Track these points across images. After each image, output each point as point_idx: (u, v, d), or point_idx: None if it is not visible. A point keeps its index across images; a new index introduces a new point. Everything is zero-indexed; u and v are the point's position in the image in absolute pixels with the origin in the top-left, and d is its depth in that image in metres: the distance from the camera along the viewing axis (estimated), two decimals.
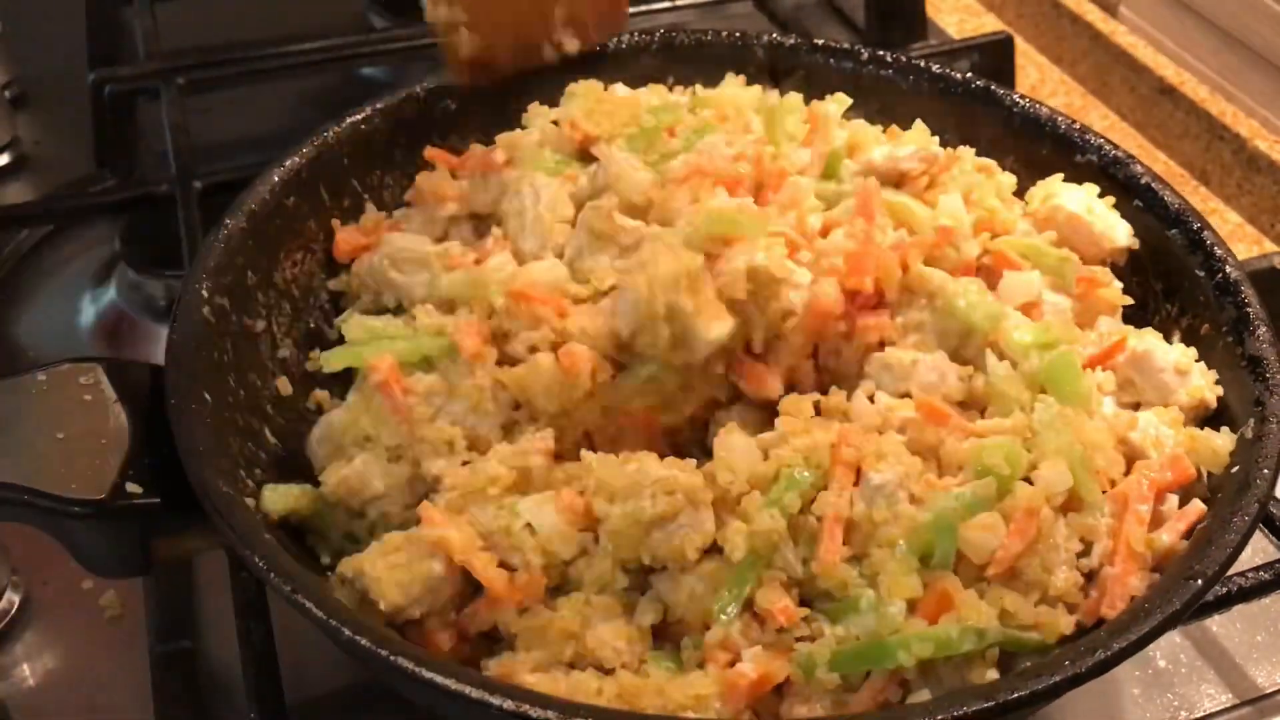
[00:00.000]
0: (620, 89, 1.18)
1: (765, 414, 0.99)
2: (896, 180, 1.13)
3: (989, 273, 1.07)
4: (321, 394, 1.05)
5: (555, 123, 1.16)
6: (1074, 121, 1.18)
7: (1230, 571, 0.93)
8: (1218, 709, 1.06)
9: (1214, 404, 1.02)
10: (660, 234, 1.00)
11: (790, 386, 1.00)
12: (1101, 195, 1.13)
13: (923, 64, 1.25)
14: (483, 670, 0.89)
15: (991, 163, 1.17)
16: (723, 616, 0.88)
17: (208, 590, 1.09)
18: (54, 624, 1.08)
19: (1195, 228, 1.08)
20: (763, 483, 0.91)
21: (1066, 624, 0.88)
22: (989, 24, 1.88)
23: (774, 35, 1.28)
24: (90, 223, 1.45)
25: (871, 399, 0.98)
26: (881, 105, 1.24)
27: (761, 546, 0.88)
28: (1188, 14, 1.73)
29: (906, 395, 0.98)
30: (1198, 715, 1.05)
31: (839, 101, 1.20)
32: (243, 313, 1.03)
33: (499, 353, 0.99)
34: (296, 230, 1.10)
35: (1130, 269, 1.13)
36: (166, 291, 1.35)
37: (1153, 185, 1.12)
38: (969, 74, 1.25)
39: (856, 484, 0.91)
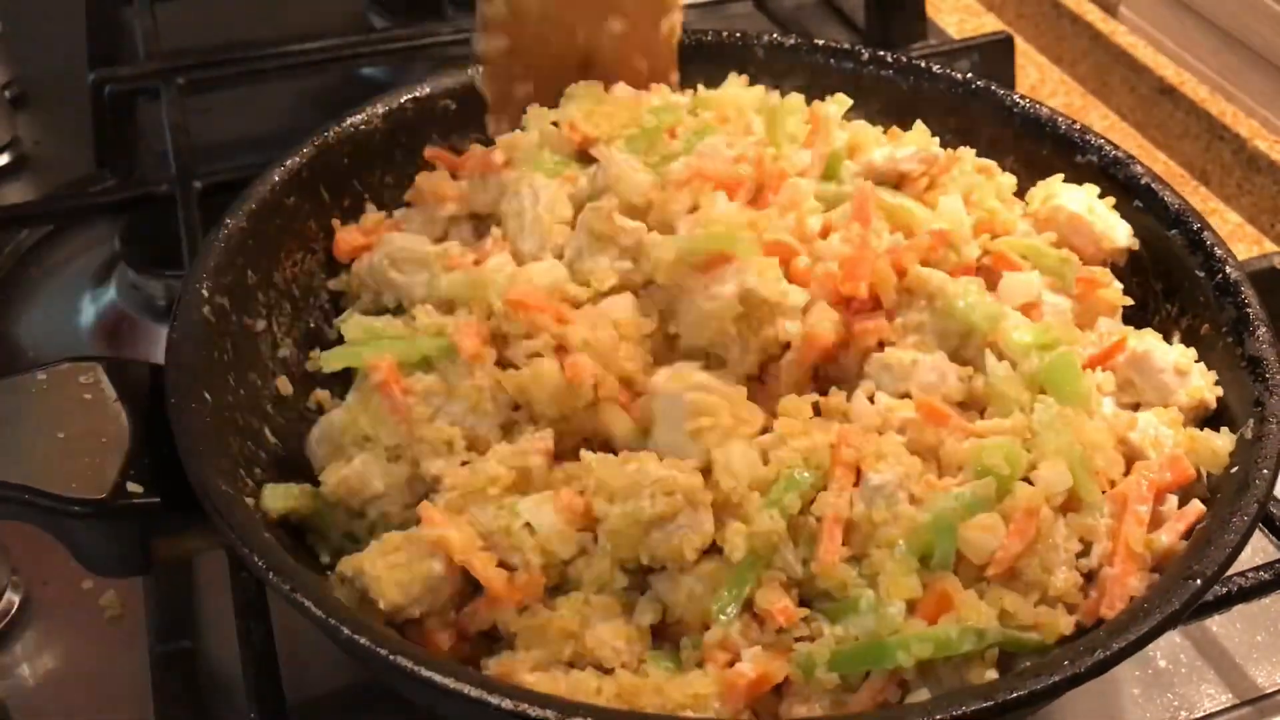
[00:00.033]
0: (621, 89, 1.18)
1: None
2: (896, 181, 1.14)
3: (989, 273, 1.07)
4: (322, 394, 1.05)
5: (555, 124, 1.16)
6: (1074, 122, 1.18)
7: (1230, 571, 0.93)
8: (1218, 709, 1.06)
9: (1214, 404, 1.02)
10: (658, 243, 1.00)
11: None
12: (1102, 196, 1.13)
13: (923, 64, 1.25)
14: (482, 669, 0.88)
15: (991, 164, 1.17)
16: (722, 617, 0.88)
17: (208, 590, 1.08)
18: (54, 624, 1.08)
19: (1195, 228, 1.08)
20: (762, 484, 0.91)
21: (1066, 624, 0.88)
22: (989, 24, 1.88)
23: (774, 35, 1.28)
24: (90, 223, 1.45)
25: (871, 399, 0.98)
26: (882, 106, 1.24)
27: (761, 547, 0.88)
28: (1188, 14, 1.73)
29: (906, 395, 0.98)
30: (1198, 715, 1.05)
31: (839, 103, 1.20)
32: (243, 312, 1.03)
33: (498, 354, 0.99)
34: (297, 230, 1.10)
35: (1130, 269, 1.13)
36: (166, 291, 1.35)
37: (1153, 186, 1.12)
38: (969, 74, 1.24)
39: (856, 484, 0.91)
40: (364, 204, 1.16)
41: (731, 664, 0.87)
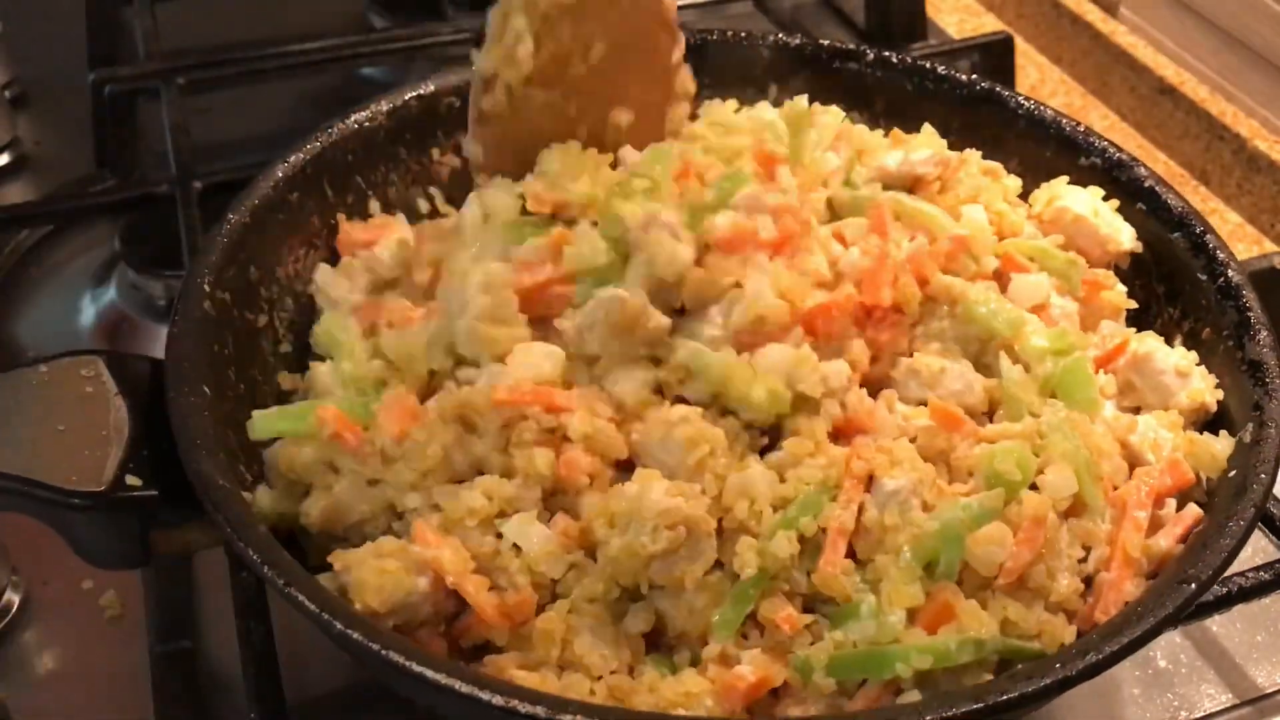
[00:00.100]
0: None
1: None
2: (910, 185, 1.14)
3: (997, 276, 1.07)
4: None
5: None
6: (1078, 124, 1.18)
7: (1230, 572, 0.93)
8: (1218, 709, 1.06)
9: (1214, 408, 1.02)
10: (691, 347, 0.95)
11: None
12: (1105, 198, 1.13)
13: (927, 65, 1.24)
14: None
15: (998, 166, 1.17)
16: (723, 633, 0.88)
17: (207, 590, 1.08)
18: (54, 624, 1.08)
19: (1198, 231, 1.08)
20: (778, 503, 0.90)
21: (1069, 634, 0.88)
22: (989, 24, 1.88)
23: (779, 35, 1.27)
24: (90, 223, 1.45)
25: (890, 409, 0.98)
26: (885, 106, 1.24)
27: (772, 565, 0.87)
28: (1188, 14, 1.74)
29: (921, 403, 0.97)
30: (1198, 715, 1.05)
31: (833, 114, 1.19)
32: (244, 307, 1.03)
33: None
34: (300, 226, 1.10)
35: (1133, 272, 1.13)
36: (166, 291, 1.35)
37: (1156, 189, 1.12)
38: (973, 75, 1.24)
39: (868, 490, 0.91)
40: (367, 201, 1.16)
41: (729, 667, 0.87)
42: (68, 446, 0.91)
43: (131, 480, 0.90)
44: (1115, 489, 0.95)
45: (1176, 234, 1.10)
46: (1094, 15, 1.80)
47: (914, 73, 1.24)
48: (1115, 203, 1.13)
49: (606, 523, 0.88)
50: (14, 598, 1.08)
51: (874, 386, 0.99)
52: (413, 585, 0.87)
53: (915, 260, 1.02)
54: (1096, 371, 1.03)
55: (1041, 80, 1.81)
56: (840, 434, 0.95)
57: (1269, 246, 1.54)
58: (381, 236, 1.11)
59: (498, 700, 0.76)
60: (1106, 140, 1.17)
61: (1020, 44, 1.78)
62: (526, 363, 0.95)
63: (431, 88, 1.19)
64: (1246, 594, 0.98)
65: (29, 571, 1.09)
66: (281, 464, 0.95)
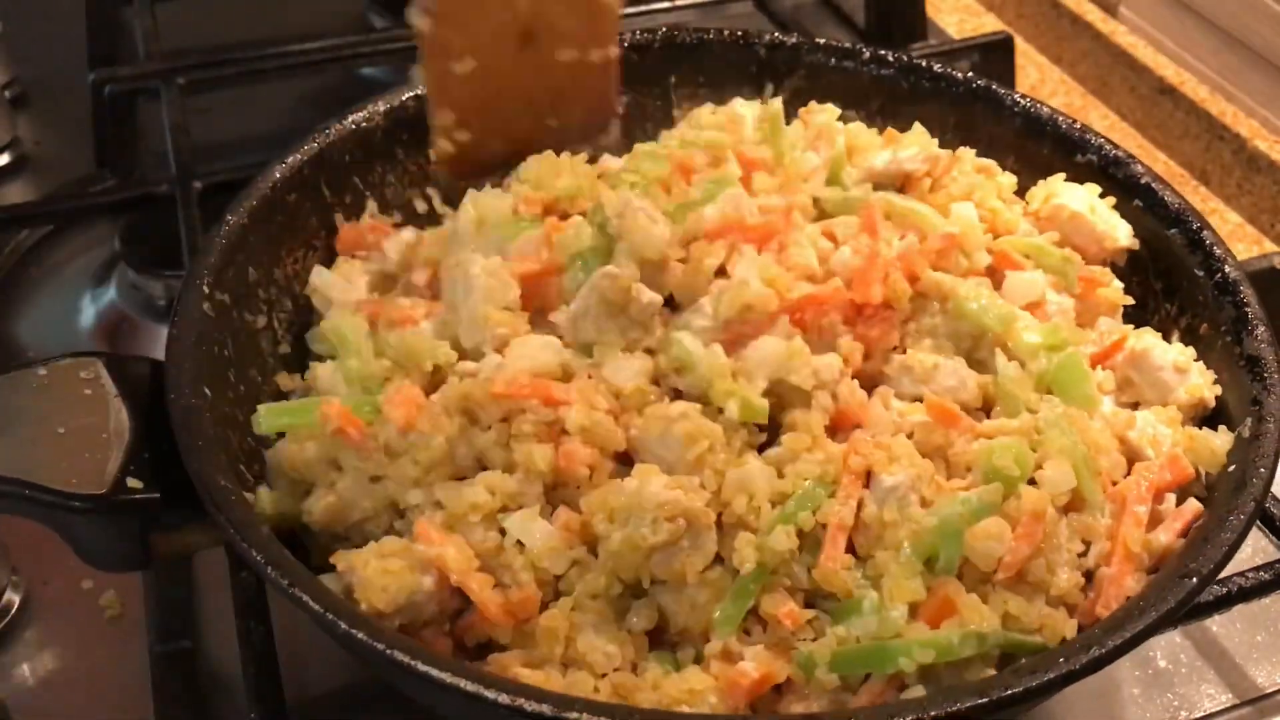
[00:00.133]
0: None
1: None
2: (900, 183, 1.14)
3: (992, 273, 1.08)
4: None
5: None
6: (1074, 121, 1.18)
7: (1230, 572, 0.93)
8: (1218, 709, 1.06)
9: (1212, 403, 1.02)
10: (681, 339, 0.96)
11: None
12: (1102, 195, 1.13)
13: (924, 64, 1.25)
14: None
15: (992, 163, 1.17)
16: (725, 628, 0.88)
17: (207, 590, 1.08)
18: (54, 624, 1.08)
19: (1195, 227, 1.09)
20: (776, 498, 0.90)
21: (1070, 628, 0.88)
22: (989, 24, 1.88)
23: (775, 34, 1.28)
24: (90, 223, 1.45)
25: (885, 405, 0.98)
26: (882, 105, 1.24)
27: (771, 560, 0.88)
28: (1188, 14, 1.74)
29: (917, 399, 0.98)
30: (1198, 715, 1.05)
31: (829, 112, 1.20)
32: (244, 309, 1.03)
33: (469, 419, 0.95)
34: (298, 227, 1.11)
35: (1130, 268, 1.13)
36: (166, 291, 1.35)
37: (1153, 185, 1.12)
38: (970, 74, 1.24)
39: (867, 486, 0.91)
40: (365, 201, 1.16)
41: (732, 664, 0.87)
42: (68, 449, 0.91)
43: (132, 483, 0.90)
44: (1114, 484, 0.95)
45: (1173, 230, 1.10)
46: (1094, 15, 1.80)
47: (910, 71, 1.24)
48: (1112, 200, 1.13)
49: (606, 517, 0.88)
50: (14, 598, 1.08)
51: (867, 383, 1.00)
52: (417, 584, 0.87)
53: (906, 258, 1.02)
54: (1094, 367, 1.03)
55: (1041, 80, 1.81)
56: (837, 428, 0.96)
57: (1269, 246, 1.54)
58: (384, 235, 1.11)
59: (504, 699, 0.76)
60: (1103, 137, 1.17)
61: (1020, 44, 1.78)
62: (524, 354, 0.96)
63: None
64: (1246, 594, 0.98)
65: (29, 571, 1.09)
66: (285, 462, 0.96)
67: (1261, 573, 0.99)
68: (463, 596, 0.89)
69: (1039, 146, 1.19)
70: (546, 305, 1.02)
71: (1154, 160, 1.65)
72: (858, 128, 1.19)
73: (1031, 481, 0.92)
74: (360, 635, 0.79)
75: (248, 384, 1.01)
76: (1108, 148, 1.16)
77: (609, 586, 0.89)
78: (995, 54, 1.61)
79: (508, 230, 1.04)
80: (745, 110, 1.20)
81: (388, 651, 0.78)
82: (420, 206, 1.19)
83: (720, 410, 0.93)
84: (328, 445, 0.95)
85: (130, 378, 0.96)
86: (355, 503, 0.94)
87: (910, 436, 0.95)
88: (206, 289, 0.99)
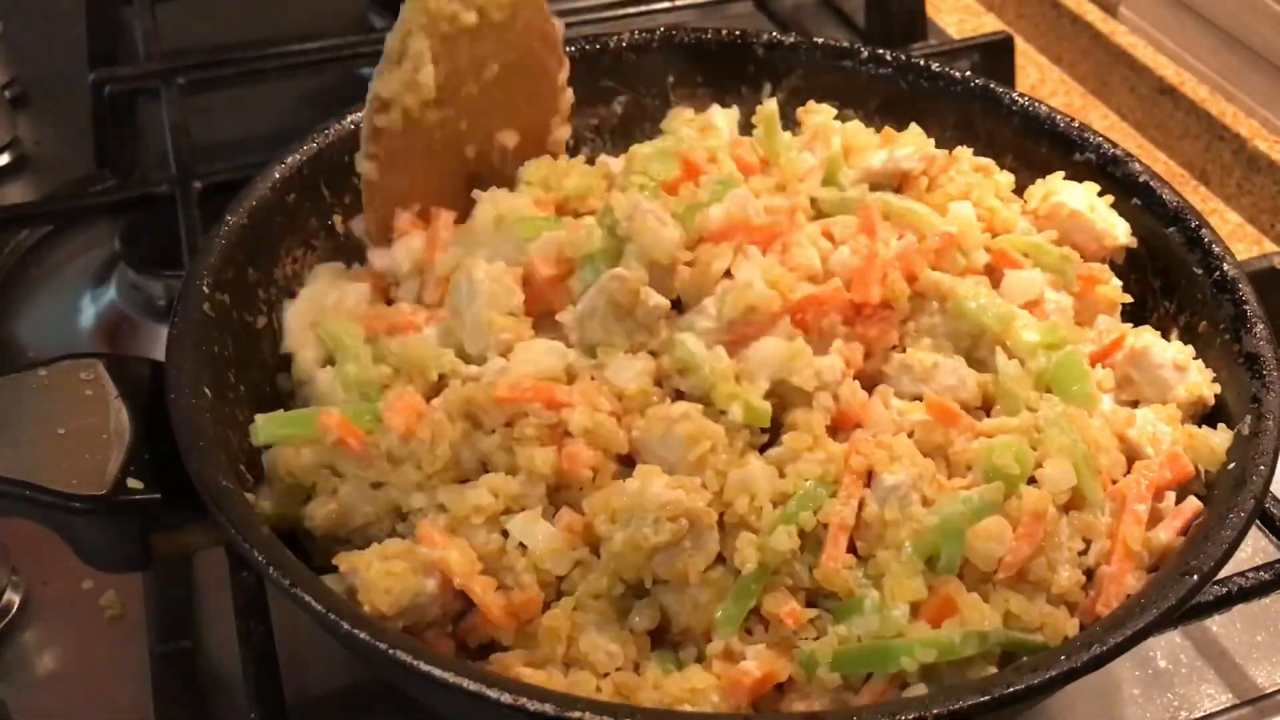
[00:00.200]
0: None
1: None
2: (898, 183, 1.14)
3: (990, 272, 1.08)
4: None
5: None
6: (1072, 120, 1.19)
7: (1230, 571, 0.94)
8: (1218, 709, 1.05)
9: (1211, 401, 1.03)
10: (684, 341, 0.96)
11: None
12: (1100, 194, 1.13)
13: (922, 63, 1.25)
14: None
15: (990, 162, 1.17)
16: (726, 628, 0.88)
17: (207, 590, 1.08)
18: (54, 624, 1.08)
19: (1193, 225, 1.09)
20: (778, 498, 0.90)
21: (1071, 626, 0.88)
22: (989, 24, 1.88)
23: (773, 34, 1.28)
24: (90, 223, 1.45)
25: (885, 404, 0.98)
26: (880, 104, 1.24)
27: (772, 560, 0.88)
28: (1188, 14, 1.73)
29: (917, 399, 0.98)
30: (1198, 715, 1.05)
31: (825, 113, 1.20)
32: (244, 309, 1.03)
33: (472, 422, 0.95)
34: (298, 227, 1.11)
35: (1128, 266, 1.13)
36: (166, 291, 1.35)
37: (1151, 183, 1.12)
38: (968, 73, 1.25)
39: (868, 485, 0.91)
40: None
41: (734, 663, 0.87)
42: (68, 450, 0.91)
43: (133, 483, 0.90)
44: (1114, 482, 0.95)
45: (1171, 228, 1.10)
46: (1094, 15, 1.80)
47: (908, 70, 1.24)
48: (1110, 198, 1.13)
49: (608, 518, 0.88)
50: (14, 598, 1.08)
51: (867, 383, 1.00)
52: (420, 587, 0.87)
53: (904, 258, 1.02)
54: (1094, 366, 1.03)
55: (1041, 80, 1.81)
56: (838, 428, 0.96)
57: (1269, 246, 1.54)
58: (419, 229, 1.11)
59: (506, 698, 0.76)
60: (1101, 136, 1.17)
61: (1020, 44, 1.78)
62: (528, 359, 0.96)
63: None
64: (1246, 594, 0.98)
65: (29, 571, 1.09)
66: (280, 468, 0.95)
67: (1261, 573, 0.99)
68: (465, 598, 0.89)
69: (1037, 145, 1.19)
70: (553, 307, 1.02)
71: (1154, 160, 1.65)
72: (855, 127, 1.19)
73: (1032, 480, 0.92)
74: (363, 635, 0.79)
75: (248, 384, 1.01)
76: (1106, 146, 1.16)
77: (611, 587, 0.89)
78: (995, 54, 1.61)
79: (527, 230, 1.04)
80: (721, 120, 1.20)
81: (390, 651, 0.78)
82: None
83: (722, 411, 0.93)
84: (325, 453, 0.95)
85: (130, 378, 0.96)
86: (357, 508, 0.94)
87: (910, 435, 0.95)
88: (206, 289, 0.99)
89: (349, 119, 1.15)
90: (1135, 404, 1.03)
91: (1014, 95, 1.21)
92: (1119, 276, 1.11)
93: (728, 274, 1.01)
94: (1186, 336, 1.07)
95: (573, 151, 1.24)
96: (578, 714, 0.75)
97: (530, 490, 0.91)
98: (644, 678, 0.87)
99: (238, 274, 1.03)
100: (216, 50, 1.57)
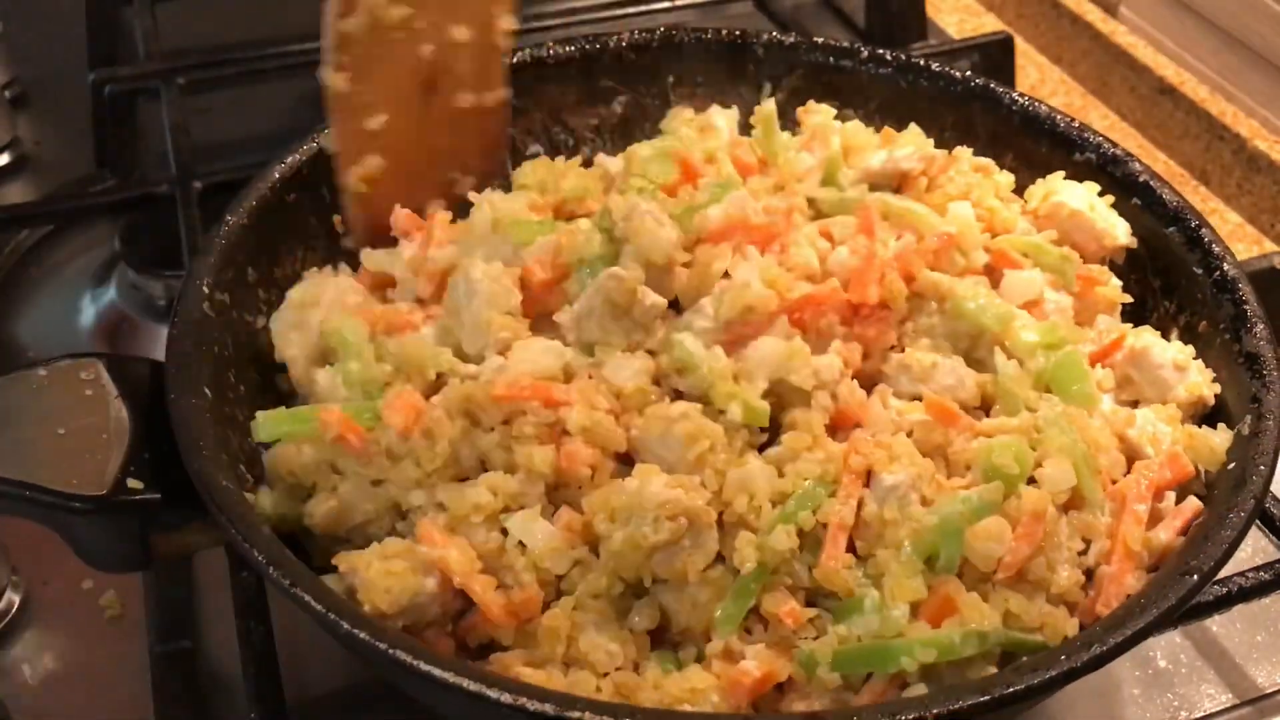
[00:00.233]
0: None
1: None
2: (897, 183, 1.14)
3: (990, 272, 1.08)
4: None
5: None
6: (1072, 120, 1.18)
7: (1230, 572, 0.94)
8: (1218, 709, 1.05)
9: (1211, 401, 1.03)
10: (682, 340, 0.96)
11: None
12: (1100, 193, 1.13)
13: (921, 62, 1.25)
14: None
15: (989, 162, 1.17)
16: (726, 628, 0.88)
17: (208, 590, 1.08)
18: (54, 624, 1.08)
19: (1193, 225, 1.09)
20: (777, 497, 0.90)
21: (1071, 626, 0.88)
22: (989, 24, 1.88)
23: (772, 34, 1.28)
24: (90, 223, 1.45)
25: (884, 404, 0.98)
26: (880, 104, 1.24)
27: (771, 560, 0.88)
28: (1188, 14, 1.73)
29: (916, 398, 0.98)
30: (1198, 715, 1.05)
31: (824, 113, 1.20)
32: (243, 309, 1.04)
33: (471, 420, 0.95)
34: (297, 227, 1.11)
35: (1128, 266, 1.13)
36: (166, 291, 1.35)
37: (1151, 183, 1.12)
38: (968, 73, 1.25)
39: (867, 485, 0.91)
40: None
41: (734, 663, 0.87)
42: (68, 450, 0.91)
43: (133, 483, 0.90)
44: (1114, 482, 0.95)
45: (1171, 228, 1.10)
46: (1094, 15, 1.80)
47: (908, 70, 1.24)
48: (1110, 198, 1.13)
49: (608, 517, 0.88)
50: (14, 598, 1.08)
51: (866, 383, 1.00)
52: (420, 586, 0.87)
53: (902, 258, 1.02)
54: (1093, 366, 1.03)
55: (1041, 80, 1.81)
56: (837, 428, 0.96)
57: (1269, 246, 1.54)
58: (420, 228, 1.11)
59: (506, 698, 0.76)
60: (1101, 135, 1.17)
61: (1020, 44, 1.78)
62: (526, 358, 0.96)
63: None
64: (1246, 594, 0.98)
65: (29, 571, 1.09)
66: (280, 466, 0.95)
67: (1261, 573, 0.99)
68: (465, 598, 0.89)
69: (1037, 145, 1.19)
70: (550, 308, 1.02)
71: (1154, 160, 1.65)
72: (854, 127, 1.19)
73: (1031, 480, 0.92)
74: (363, 635, 0.79)
75: (248, 384, 1.01)
76: (1106, 146, 1.16)
77: (610, 586, 0.89)
78: (995, 54, 1.61)
79: (522, 234, 1.04)
80: (721, 120, 1.20)
81: (390, 651, 0.78)
82: None
83: (721, 411, 0.93)
84: (326, 450, 0.95)
85: (130, 378, 0.95)
86: (357, 506, 0.94)
87: (910, 435, 0.95)
88: (206, 289, 0.99)
89: None
90: (1135, 404, 1.03)
91: (1014, 95, 1.21)
92: (1119, 276, 1.11)
93: (726, 275, 1.01)
94: (1186, 336, 1.07)
95: (572, 151, 1.24)
96: (577, 714, 0.75)
97: (529, 489, 0.91)
98: (644, 677, 0.87)
99: (238, 274, 1.03)
100: (216, 50, 1.57)
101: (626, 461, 0.94)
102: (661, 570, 0.88)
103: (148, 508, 0.90)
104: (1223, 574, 0.89)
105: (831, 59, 1.26)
